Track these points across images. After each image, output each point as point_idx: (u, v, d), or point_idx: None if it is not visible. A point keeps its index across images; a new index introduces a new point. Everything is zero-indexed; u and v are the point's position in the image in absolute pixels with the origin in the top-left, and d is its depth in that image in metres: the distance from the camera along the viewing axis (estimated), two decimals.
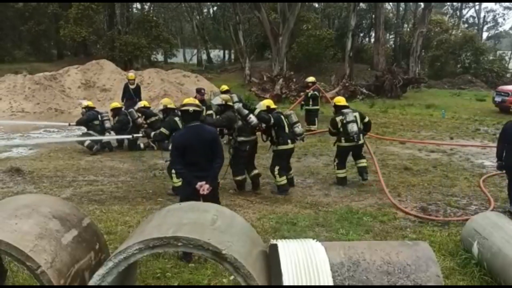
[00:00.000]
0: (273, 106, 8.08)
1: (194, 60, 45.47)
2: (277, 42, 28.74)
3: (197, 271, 4.83)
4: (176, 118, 7.45)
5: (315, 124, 14.01)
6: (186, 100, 5.59)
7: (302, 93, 20.64)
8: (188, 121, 5.37)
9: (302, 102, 14.73)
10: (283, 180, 7.81)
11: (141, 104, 11.90)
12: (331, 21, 41.73)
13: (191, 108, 5.31)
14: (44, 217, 3.39)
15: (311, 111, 14.09)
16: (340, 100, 8.80)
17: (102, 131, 11.39)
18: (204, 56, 44.56)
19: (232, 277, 4.62)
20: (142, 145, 11.74)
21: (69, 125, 12.00)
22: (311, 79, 14.77)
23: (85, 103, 12.15)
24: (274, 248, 3.38)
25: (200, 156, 5.17)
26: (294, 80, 23.53)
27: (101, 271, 2.93)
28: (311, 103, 14.06)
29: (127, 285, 3.60)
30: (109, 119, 11.59)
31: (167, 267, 4.86)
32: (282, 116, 7.95)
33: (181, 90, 21.84)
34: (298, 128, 8.06)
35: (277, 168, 7.81)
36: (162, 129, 7.58)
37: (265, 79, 24.42)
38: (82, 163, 10.20)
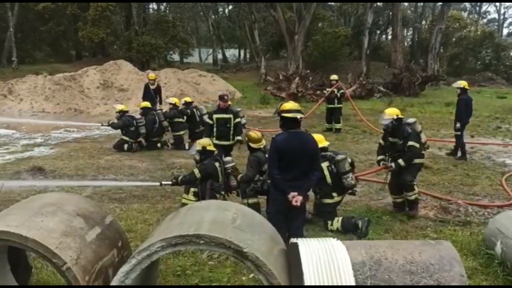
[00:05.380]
0: (323, 143, 6.28)
1: (210, 60, 45.67)
2: (292, 40, 28.69)
3: (217, 269, 4.85)
4: (217, 164, 6.69)
5: (340, 122, 13.99)
6: (290, 106, 5.09)
7: (318, 92, 20.68)
8: (290, 127, 4.97)
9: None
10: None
11: (172, 100, 12.12)
12: (347, 18, 41.49)
13: (299, 116, 4.95)
14: (69, 215, 3.45)
15: (335, 109, 14.04)
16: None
17: (137, 136, 11.50)
18: (220, 56, 44.73)
19: (251, 276, 4.64)
20: (159, 145, 11.88)
21: (102, 125, 12.12)
22: (334, 77, 14.73)
23: (119, 107, 12.11)
24: (295, 246, 3.38)
25: (297, 164, 4.88)
26: (310, 78, 23.47)
27: (125, 268, 2.97)
28: (336, 101, 13.99)
29: (149, 285, 3.64)
30: (144, 125, 11.57)
31: (187, 265, 4.89)
32: (325, 163, 6.19)
33: (197, 90, 22.00)
34: (347, 180, 6.20)
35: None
36: (195, 171, 6.65)
37: (280, 78, 24.44)
38: (101, 162, 10.33)
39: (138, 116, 11.83)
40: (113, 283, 2.99)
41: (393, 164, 6.72)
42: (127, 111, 11.87)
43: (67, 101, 19.02)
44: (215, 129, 8.47)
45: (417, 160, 6.71)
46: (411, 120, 6.94)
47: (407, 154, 6.61)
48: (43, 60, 35.66)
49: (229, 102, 8.93)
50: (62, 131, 14.76)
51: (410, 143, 6.55)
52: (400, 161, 6.62)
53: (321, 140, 6.28)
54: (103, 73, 21.55)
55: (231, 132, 8.53)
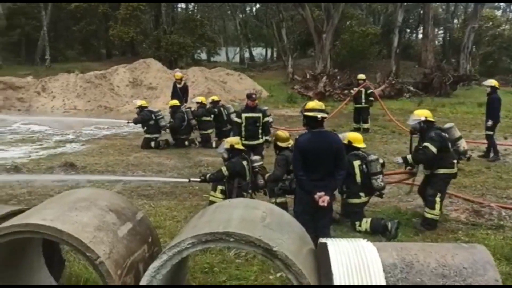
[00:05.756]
0: (360, 144, 6.31)
1: (237, 59, 45.83)
2: (320, 39, 28.51)
3: (244, 267, 4.87)
4: (244, 162, 6.70)
5: (368, 122, 13.84)
6: (312, 105, 5.07)
7: (346, 91, 20.47)
8: (313, 127, 4.98)
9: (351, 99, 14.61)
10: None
11: (198, 99, 12.27)
12: (376, 17, 40.92)
13: (319, 115, 4.93)
14: (102, 210, 3.52)
15: (362, 109, 13.89)
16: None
17: (158, 129, 11.70)
18: (247, 54, 44.82)
19: (279, 275, 4.64)
20: (186, 143, 12.02)
21: (128, 123, 12.37)
22: (361, 76, 14.57)
23: (138, 102, 12.40)
24: (324, 246, 3.35)
25: (322, 164, 4.85)
26: (338, 77, 23.27)
27: (156, 263, 3.02)
28: (363, 101, 13.83)
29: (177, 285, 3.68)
30: (163, 117, 11.84)
31: (215, 262, 4.93)
32: (356, 162, 6.13)
33: (224, 88, 22.12)
34: (377, 182, 6.11)
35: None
36: (223, 168, 6.67)
37: (308, 77, 24.31)
38: (131, 159, 10.52)
39: (156, 110, 12.04)
40: (144, 278, 3.03)
41: (406, 164, 6.37)
42: (146, 106, 12.06)
43: (97, 98, 19.46)
44: (243, 129, 8.36)
45: (441, 170, 6.08)
46: (448, 125, 6.58)
47: (418, 153, 6.21)
48: (74, 58, 36.53)
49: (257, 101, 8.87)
50: (93, 128, 15.10)
51: (426, 144, 6.06)
52: (409, 156, 6.33)
53: (358, 140, 6.28)
54: (132, 71, 21.92)
55: (260, 131, 8.47)
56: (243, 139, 8.11)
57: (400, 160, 6.45)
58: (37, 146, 12.11)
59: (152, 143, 11.63)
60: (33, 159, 10.46)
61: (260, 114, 8.49)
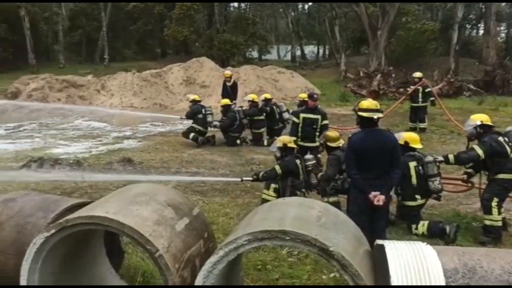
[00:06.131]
0: (416, 145, 6.08)
1: (288, 57, 45.72)
2: (375, 36, 27.88)
3: (297, 266, 4.86)
4: (298, 161, 6.65)
5: (425, 122, 13.40)
6: (367, 104, 4.94)
7: (401, 89, 19.88)
8: (367, 126, 4.91)
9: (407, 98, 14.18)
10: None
11: (249, 97, 12.35)
12: (434, 12, 39.44)
13: (375, 116, 4.84)
14: (160, 204, 3.63)
15: (419, 108, 13.44)
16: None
17: (205, 124, 11.86)
18: (298, 52, 44.61)
19: (332, 275, 4.59)
20: (238, 141, 12.12)
21: (181, 118, 12.64)
22: (418, 74, 14.09)
23: (192, 97, 12.64)
24: (381, 248, 3.28)
25: (377, 163, 4.78)
26: (393, 75, 22.66)
27: (213, 258, 3.07)
28: (420, 99, 13.39)
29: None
30: (211, 114, 11.99)
31: (267, 260, 4.95)
32: (412, 163, 5.94)
33: (275, 86, 22.12)
34: (434, 184, 5.88)
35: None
36: (277, 167, 6.63)
37: (361, 74, 23.84)
38: (184, 155, 10.77)
39: (207, 106, 12.19)
40: (201, 273, 3.10)
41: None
42: (199, 101, 12.22)
43: (153, 96, 20.07)
44: (300, 129, 8.21)
45: (500, 175, 5.66)
46: (508, 128, 6.16)
47: (463, 153, 5.86)
48: (131, 57, 37.92)
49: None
50: (148, 125, 15.59)
51: (474, 145, 5.74)
52: (451, 156, 5.96)
53: (414, 140, 6.07)
54: (186, 70, 22.40)
55: (317, 133, 8.19)
56: (298, 139, 8.01)
57: (440, 158, 6.08)
58: (97, 142, 12.67)
59: (192, 134, 11.69)
60: (93, 154, 10.95)
61: (318, 116, 8.26)
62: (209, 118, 11.88)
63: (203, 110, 11.86)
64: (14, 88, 19.88)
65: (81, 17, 36.64)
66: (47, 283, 3.47)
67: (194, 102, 12.10)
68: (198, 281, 3.10)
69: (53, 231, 3.30)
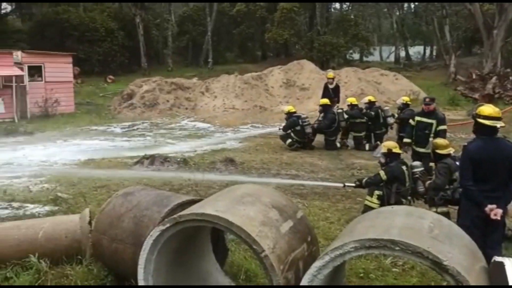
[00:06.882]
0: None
1: (391, 58, 43.95)
2: (490, 35, 25.66)
3: (402, 277, 4.66)
4: (404, 167, 6.46)
5: None
6: (489, 111, 4.57)
7: None
8: (487, 134, 4.60)
9: None
10: None
11: (348, 101, 12.11)
12: None
13: (498, 125, 4.53)
14: (265, 206, 3.69)
15: None
16: None
17: (303, 135, 11.75)
18: (403, 53, 42.69)
19: None
20: (338, 144, 11.93)
21: (279, 129, 12.51)
22: None
23: (286, 108, 12.54)
24: (499, 265, 3.02)
25: (495, 174, 4.51)
26: (510, 78, 20.73)
27: (318, 263, 3.05)
28: None
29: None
30: (309, 124, 11.81)
31: (370, 268, 4.80)
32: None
33: (377, 89, 21.41)
34: None
35: None
36: (381, 173, 6.49)
37: (474, 77, 22.16)
38: (284, 157, 10.87)
39: (303, 115, 12.02)
40: (306, 276, 3.10)
41: None
42: (294, 112, 12.07)
43: (253, 98, 20.57)
44: (414, 132, 8.09)
45: None
46: None
47: None
48: (233, 60, 39.26)
49: (433, 106, 8.09)
50: (249, 127, 16.02)
51: None
52: None
53: None
54: (286, 72, 22.61)
55: (430, 139, 7.73)
56: (413, 143, 8.01)
57: None
58: (201, 142, 13.32)
59: (289, 141, 11.66)
60: (198, 153, 11.52)
61: (433, 121, 7.91)
62: (308, 130, 11.73)
63: (299, 121, 11.70)
64: (129, 90, 21.61)
65: (188, 23, 38.74)
66: (161, 274, 3.72)
67: (290, 114, 11.94)
68: (303, 284, 3.10)
69: (168, 225, 3.52)
